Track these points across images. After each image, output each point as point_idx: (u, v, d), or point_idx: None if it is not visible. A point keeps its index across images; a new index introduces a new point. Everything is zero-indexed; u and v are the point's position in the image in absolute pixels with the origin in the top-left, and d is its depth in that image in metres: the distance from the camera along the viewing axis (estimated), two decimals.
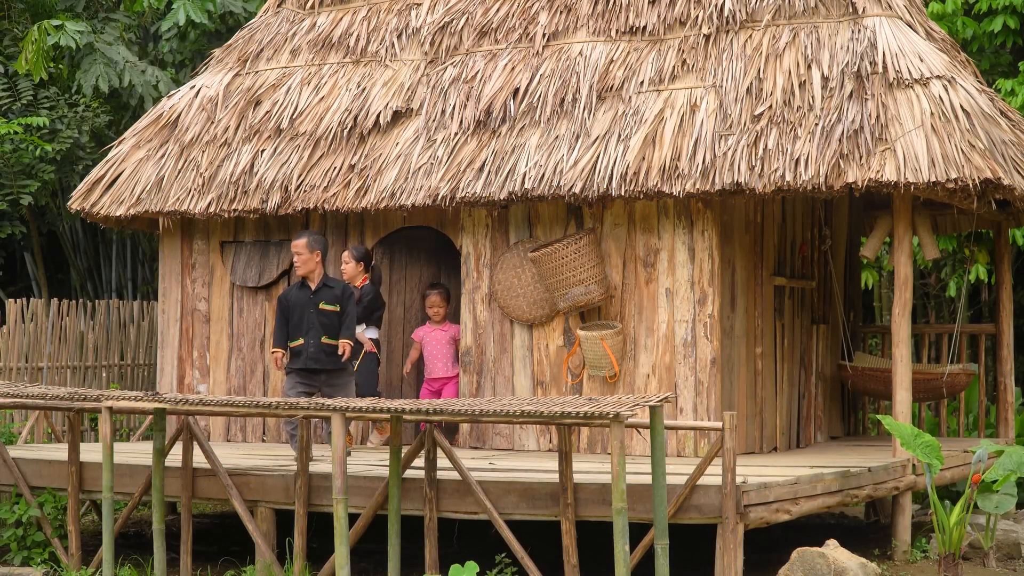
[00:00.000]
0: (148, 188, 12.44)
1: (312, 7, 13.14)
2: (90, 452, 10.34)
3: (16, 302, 13.66)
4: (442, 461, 8.99)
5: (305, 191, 11.78)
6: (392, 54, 12.39)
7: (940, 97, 10.21)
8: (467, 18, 12.23)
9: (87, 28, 15.99)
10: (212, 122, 12.60)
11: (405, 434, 10.07)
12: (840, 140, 10.21)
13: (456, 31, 12.21)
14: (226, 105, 12.65)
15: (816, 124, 10.37)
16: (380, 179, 11.54)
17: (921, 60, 10.48)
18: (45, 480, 10.45)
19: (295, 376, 10.35)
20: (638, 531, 8.41)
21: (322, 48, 12.73)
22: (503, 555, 8.99)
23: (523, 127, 11.32)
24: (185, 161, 12.45)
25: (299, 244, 10.47)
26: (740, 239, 11.22)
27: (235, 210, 12.00)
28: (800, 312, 12.26)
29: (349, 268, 11.54)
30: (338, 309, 10.40)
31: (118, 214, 12.49)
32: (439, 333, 11.79)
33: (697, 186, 10.37)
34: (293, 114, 12.28)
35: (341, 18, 12.89)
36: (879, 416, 10.24)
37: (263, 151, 12.18)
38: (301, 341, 10.32)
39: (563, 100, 11.30)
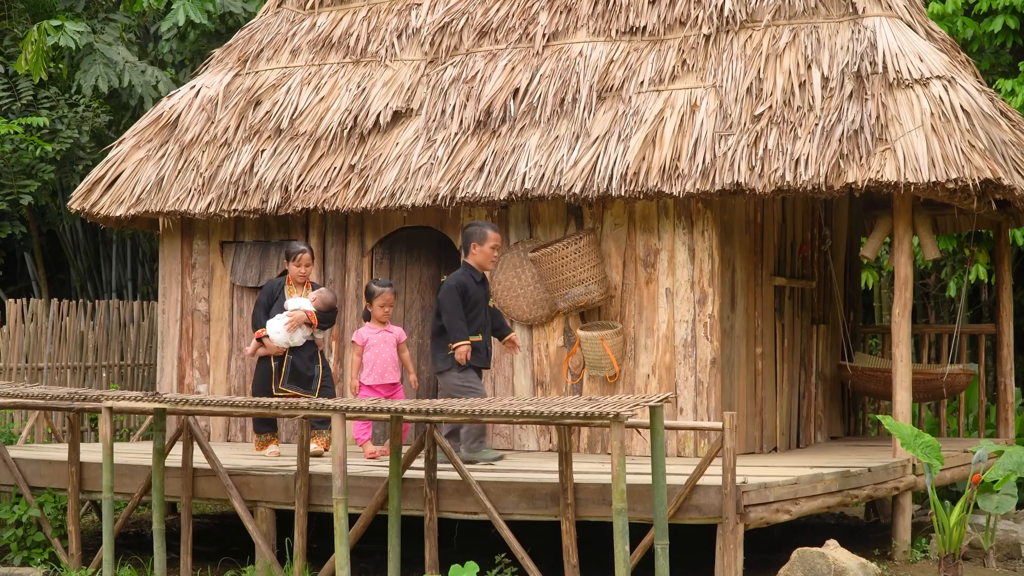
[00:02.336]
0: (148, 188, 12.44)
1: (312, 7, 13.14)
2: (90, 452, 10.34)
3: (16, 302, 13.66)
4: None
5: (305, 191, 11.78)
6: (392, 54, 12.39)
7: (940, 97, 10.21)
8: (467, 18, 12.24)
9: (87, 28, 16.00)
10: (212, 122, 12.60)
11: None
12: (840, 140, 10.21)
13: (456, 31, 12.21)
14: (226, 105, 12.66)
15: (816, 124, 10.37)
16: (380, 179, 11.54)
17: (921, 60, 10.48)
18: (45, 480, 10.45)
19: (474, 371, 10.08)
20: (638, 531, 8.41)
21: (322, 48, 12.73)
22: (503, 555, 9.00)
23: (523, 127, 11.32)
24: (185, 161, 12.46)
25: (499, 236, 10.27)
26: (740, 239, 11.22)
27: (235, 210, 12.00)
28: (800, 312, 12.26)
29: (309, 270, 11.11)
30: (493, 304, 10.32)
31: (118, 214, 12.49)
32: (386, 335, 10.74)
33: (697, 186, 10.37)
34: (293, 114, 12.29)
35: (341, 18, 12.90)
36: (879, 416, 10.24)
37: (263, 151, 12.18)
38: (479, 337, 10.09)
39: (563, 100, 11.30)
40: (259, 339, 10.95)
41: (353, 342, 10.75)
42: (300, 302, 10.96)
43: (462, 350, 9.95)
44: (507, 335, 10.41)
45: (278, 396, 10.75)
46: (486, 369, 10.38)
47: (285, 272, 11.33)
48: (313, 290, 11.09)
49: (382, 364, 10.66)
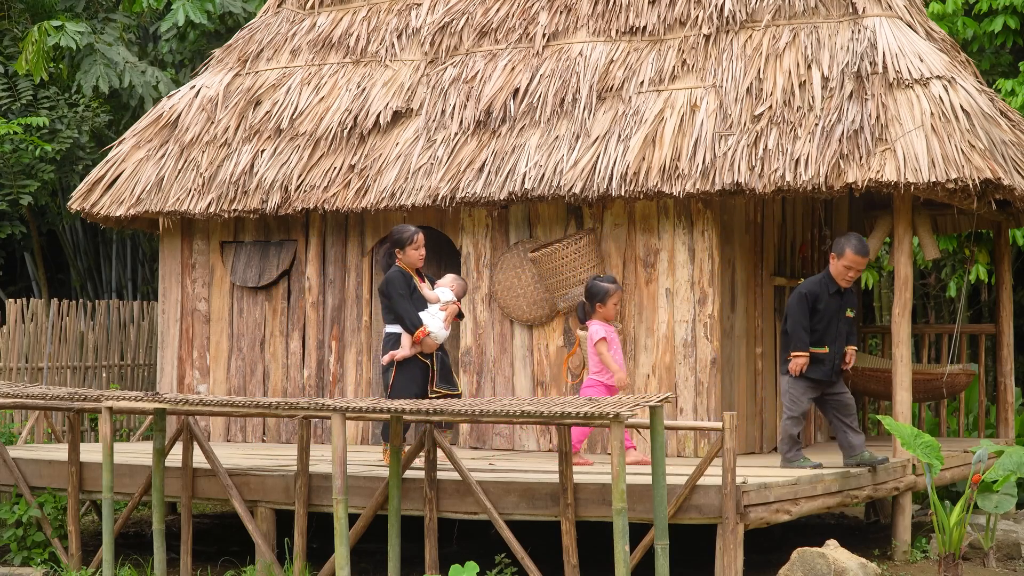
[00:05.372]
0: (148, 188, 12.44)
1: (312, 7, 13.14)
2: (90, 452, 10.34)
3: (16, 302, 13.66)
4: (442, 461, 8.99)
5: (305, 191, 11.78)
6: (392, 54, 12.39)
7: (940, 97, 10.21)
8: (467, 18, 12.24)
9: (87, 29, 16.00)
10: (212, 122, 12.60)
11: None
12: (840, 140, 10.21)
13: (456, 31, 12.21)
14: (226, 105, 12.66)
15: (816, 124, 10.37)
16: (380, 179, 11.54)
17: (921, 60, 10.48)
18: (45, 480, 10.45)
19: (807, 383, 9.74)
20: (638, 531, 8.41)
21: (322, 48, 12.73)
22: (503, 555, 9.00)
23: (523, 127, 11.32)
24: (185, 161, 12.46)
25: (859, 259, 9.67)
26: (740, 239, 11.22)
27: (235, 210, 12.00)
28: None
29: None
30: (852, 315, 9.93)
31: (118, 214, 12.50)
32: (616, 334, 10.25)
33: (697, 186, 10.37)
34: (293, 114, 12.29)
35: (341, 18, 12.90)
36: (879, 416, 10.24)
37: (263, 151, 12.18)
38: (826, 349, 9.70)
39: (563, 100, 11.30)
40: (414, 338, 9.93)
41: (604, 339, 9.99)
42: (445, 292, 10.20)
43: (798, 361, 9.65)
44: (847, 347, 9.92)
45: (433, 398, 9.97)
46: (828, 382, 9.82)
47: (392, 262, 10.23)
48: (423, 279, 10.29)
49: (621, 363, 10.15)
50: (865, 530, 12.06)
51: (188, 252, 12.71)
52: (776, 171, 10.21)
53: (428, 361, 10.09)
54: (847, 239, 9.75)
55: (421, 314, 10.04)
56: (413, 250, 10.12)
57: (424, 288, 10.20)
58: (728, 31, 11.22)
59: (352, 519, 8.90)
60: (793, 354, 9.68)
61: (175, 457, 9.74)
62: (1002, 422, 12.92)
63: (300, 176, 11.88)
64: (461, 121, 11.56)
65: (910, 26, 11.02)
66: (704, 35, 11.25)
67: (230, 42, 13.44)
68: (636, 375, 10.98)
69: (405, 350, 9.98)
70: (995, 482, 10.12)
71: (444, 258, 12.31)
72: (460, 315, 10.33)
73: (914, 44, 10.66)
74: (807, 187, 10.11)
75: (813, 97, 10.53)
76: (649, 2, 11.64)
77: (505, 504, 8.82)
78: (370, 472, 9.41)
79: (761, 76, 10.81)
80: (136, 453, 10.78)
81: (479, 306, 11.54)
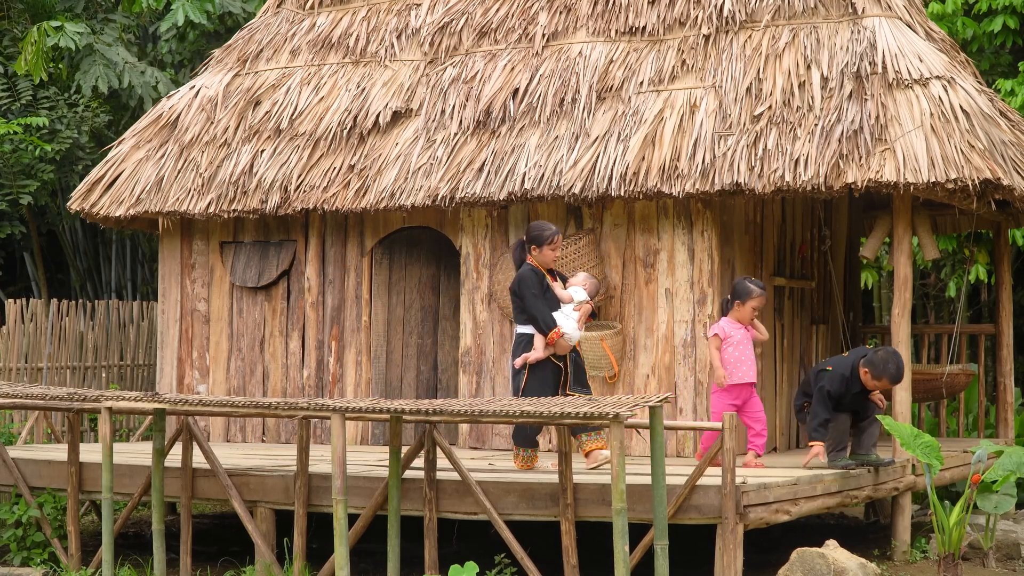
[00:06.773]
0: (148, 188, 12.44)
1: (312, 7, 13.14)
2: (90, 452, 10.34)
3: (16, 302, 13.66)
4: (442, 461, 8.99)
5: (305, 191, 11.78)
6: (392, 54, 12.39)
7: (940, 97, 10.21)
8: (467, 18, 12.24)
9: (86, 29, 16.01)
10: (212, 122, 12.60)
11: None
12: (840, 140, 10.21)
13: (456, 31, 12.21)
14: (226, 105, 12.66)
15: (816, 124, 10.37)
16: (380, 179, 11.54)
17: (921, 60, 10.48)
18: (45, 480, 10.45)
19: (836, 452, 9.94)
20: (638, 531, 8.41)
21: (322, 48, 12.74)
22: (503, 555, 8.99)
23: (523, 127, 11.32)
24: (185, 161, 12.46)
25: (868, 379, 9.78)
26: (740, 239, 11.22)
27: (235, 210, 12.00)
28: (800, 312, 12.25)
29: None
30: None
31: (118, 214, 12.50)
32: (746, 333, 10.10)
33: (697, 186, 10.37)
34: (293, 114, 12.29)
35: (341, 18, 12.90)
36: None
37: (263, 151, 12.18)
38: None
39: (563, 100, 11.30)
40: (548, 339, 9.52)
41: (715, 335, 9.98)
42: (579, 292, 9.80)
43: (814, 450, 9.78)
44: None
45: None
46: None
47: (523, 260, 9.79)
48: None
49: (746, 362, 10.00)
50: (865, 530, 12.06)
51: (188, 252, 12.71)
52: (776, 171, 10.21)
53: (561, 363, 9.64)
54: (886, 366, 9.71)
55: (555, 314, 9.58)
56: (550, 250, 9.64)
57: (557, 287, 9.74)
58: (728, 31, 11.22)
59: (352, 519, 8.90)
60: (810, 444, 9.83)
61: (175, 457, 9.74)
62: (1002, 422, 12.92)
63: (300, 176, 11.88)
64: (461, 121, 11.56)
65: (910, 26, 11.02)
66: (704, 35, 11.25)
67: (230, 42, 13.44)
68: (636, 375, 10.98)
69: (538, 352, 9.52)
70: (995, 482, 10.12)
71: (443, 258, 12.30)
72: (593, 315, 9.98)
73: (914, 44, 10.66)
74: (807, 187, 10.11)
75: (813, 97, 10.53)
76: (649, 2, 11.64)
77: (505, 504, 8.82)
78: (370, 472, 9.41)
79: (761, 76, 10.81)
80: (136, 453, 10.77)
81: (478, 306, 11.54)
